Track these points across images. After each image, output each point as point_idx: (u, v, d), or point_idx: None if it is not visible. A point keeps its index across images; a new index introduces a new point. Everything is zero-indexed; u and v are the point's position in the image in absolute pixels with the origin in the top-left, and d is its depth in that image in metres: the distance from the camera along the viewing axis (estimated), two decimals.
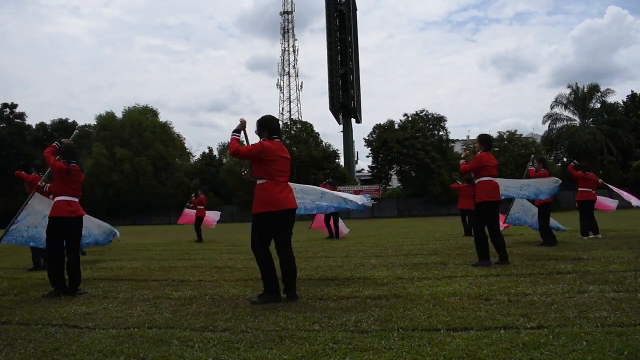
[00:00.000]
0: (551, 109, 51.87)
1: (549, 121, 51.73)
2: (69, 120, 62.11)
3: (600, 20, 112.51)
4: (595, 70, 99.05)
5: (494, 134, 52.95)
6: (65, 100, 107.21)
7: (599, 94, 49.81)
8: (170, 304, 4.96)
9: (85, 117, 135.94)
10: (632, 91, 51.64)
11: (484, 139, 7.52)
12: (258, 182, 4.97)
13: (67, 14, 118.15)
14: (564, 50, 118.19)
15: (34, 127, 59.75)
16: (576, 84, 50.71)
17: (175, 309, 4.66)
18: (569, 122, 50.75)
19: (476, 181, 7.30)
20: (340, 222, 15.11)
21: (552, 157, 52.85)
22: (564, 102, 51.08)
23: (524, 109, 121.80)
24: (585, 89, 49.97)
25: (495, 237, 7.10)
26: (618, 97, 67.26)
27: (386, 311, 4.23)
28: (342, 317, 4.04)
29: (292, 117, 64.53)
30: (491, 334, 3.36)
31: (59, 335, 3.77)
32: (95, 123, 57.56)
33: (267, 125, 5.14)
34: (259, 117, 5.21)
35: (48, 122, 60.93)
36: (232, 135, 5.16)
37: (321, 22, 67.74)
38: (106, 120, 55.62)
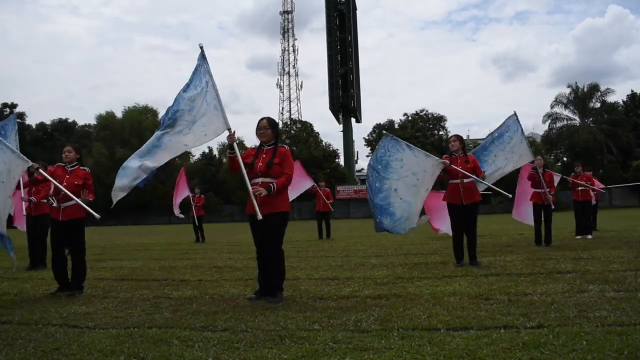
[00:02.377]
0: (551, 108, 51.95)
1: (549, 121, 51.79)
2: (69, 120, 62.19)
3: (601, 19, 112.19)
4: (595, 70, 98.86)
5: None
6: (65, 99, 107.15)
7: (599, 93, 49.89)
8: (170, 303, 4.96)
9: (85, 116, 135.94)
10: (632, 90, 51.67)
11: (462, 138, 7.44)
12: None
13: (67, 14, 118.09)
14: (565, 49, 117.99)
15: (33, 127, 59.77)
16: (576, 83, 50.77)
17: (175, 309, 4.66)
18: (569, 122, 50.80)
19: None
20: None
21: (552, 157, 52.85)
22: (564, 101, 51.12)
23: (525, 108, 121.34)
24: (585, 89, 50.02)
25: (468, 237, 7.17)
26: (618, 96, 67.14)
27: (386, 311, 4.23)
28: (342, 317, 4.04)
29: (292, 116, 64.52)
30: (491, 334, 3.36)
31: (59, 335, 3.76)
32: (95, 123, 57.58)
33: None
34: (272, 118, 5.30)
35: (48, 122, 60.95)
36: (275, 190, 4.91)
37: (321, 21, 67.83)
38: (106, 120, 55.63)
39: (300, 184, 13.61)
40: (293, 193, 12.31)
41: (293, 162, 5.28)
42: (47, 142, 59.11)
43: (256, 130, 5.17)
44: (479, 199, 7.21)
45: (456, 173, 6.97)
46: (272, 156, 5.03)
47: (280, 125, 56.52)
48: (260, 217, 4.77)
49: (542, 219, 9.67)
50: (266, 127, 5.12)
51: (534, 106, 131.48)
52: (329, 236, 14.24)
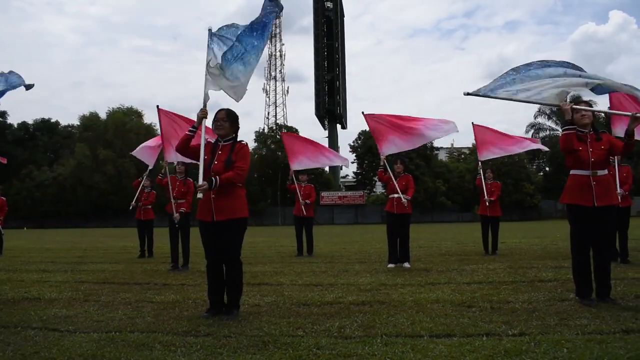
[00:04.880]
0: (534, 118, 52.62)
1: (532, 131, 52.42)
2: (52, 120, 61.43)
3: (590, 30, 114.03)
4: None
5: None
6: (49, 99, 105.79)
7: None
8: (153, 307, 4.91)
9: (69, 116, 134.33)
10: None
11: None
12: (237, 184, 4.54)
13: (52, 12, 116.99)
14: (554, 59, 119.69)
15: (15, 126, 58.98)
16: None
17: (158, 313, 4.62)
18: (551, 132, 51.47)
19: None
20: None
21: (535, 167, 53.55)
22: (547, 112, 51.79)
23: (512, 116, 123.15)
24: (568, 100, 50.72)
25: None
26: (600, 108, 68.38)
27: (370, 317, 4.24)
28: (325, 323, 4.04)
29: (277, 121, 64.52)
30: (474, 341, 3.38)
31: (38, 339, 3.71)
32: (79, 123, 56.99)
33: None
34: (232, 110, 4.66)
35: (30, 122, 60.19)
36: (218, 183, 4.37)
37: (309, 24, 68.06)
38: (90, 121, 55.08)
39: (316, 158, 11.05)
40: (302, 163, 10.77)
41: (249, 158, 4.63)
42: (29, 141, 58.36)
43: (212, 123, 4.60)
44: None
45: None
46: (230, 153, 4.46)
47: (266, 131, 56.47)
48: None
49: (489, 230, 10.15)
50: (224, 119, 4.52)
51: (523, 115, 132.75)
52: (310, 251, 10.93)
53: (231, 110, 4.63)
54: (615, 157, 7.53)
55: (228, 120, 4.54)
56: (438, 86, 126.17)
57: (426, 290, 5.55)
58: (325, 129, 63.28)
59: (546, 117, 51.91)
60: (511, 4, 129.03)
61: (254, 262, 9.17)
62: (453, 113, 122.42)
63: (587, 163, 4.69)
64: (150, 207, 11.28)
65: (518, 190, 46.29)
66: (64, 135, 60.76)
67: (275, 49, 67.86)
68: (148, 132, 55.42)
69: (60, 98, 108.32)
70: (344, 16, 66.31)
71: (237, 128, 4.65)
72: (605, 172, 4.86)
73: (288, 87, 69.22)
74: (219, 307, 4.50)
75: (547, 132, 51.66)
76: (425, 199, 46.76)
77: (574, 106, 4.83)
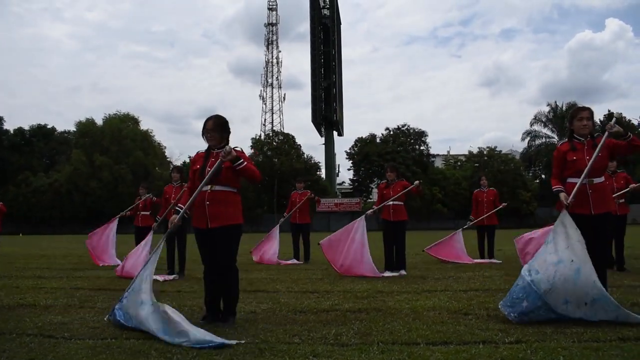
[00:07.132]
0: (530, 126, 52.89)
1: (528, 138, 52.67)
2: (48, 126, 61.36)
3: (587, 38, 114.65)
4: (581, 88, 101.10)
5: (475, 150, 53.73)
6: (45, 104, 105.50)
7: None
8: None
9: (65, 122, 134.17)
10: (608, 110, 52.89)
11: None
12: (231, 190, 4.53)
13: (50, 18, 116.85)
14: (549, 67, 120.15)
15: (11, 132, 58.89)
16: (555, 102, 51.92)
17: None
18: (547, 140, 51.71)
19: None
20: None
21: (531, 174, 53.72)
22: (543, 119, 52.10)
23: (508, 124, 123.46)
24: (564, 107, 51.03)
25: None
26: (595, 116, 68.78)
27: (366, 324, 4.24)
28: (322, 330, 4.03)
29: (274, 128, 64.61)
30: (470, 349, 3.38)
31: (33, 345, 3.68)
32: (75, 129, 56.91)
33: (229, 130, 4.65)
34: (219, 116, 4.57)
35: (26, 127, 60.14)
36: (242, 165, 4.36)
37: (306, 31, 68.10)
38: (86, 127, 55.01)
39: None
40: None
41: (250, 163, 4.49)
42: (25, 147, 58.28)
43: (203, 133, 4.55)
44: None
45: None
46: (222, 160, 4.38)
47: (262, 137, 56.53)
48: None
49: (485, 238, 10.52)
50: (213, 129, 4.47)
51: (518, 122, 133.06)
52: (307, 259, 11.18)
53: (218, 118, 4.55)
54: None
55: (216, 130, 4.48)
56: (434, 93, 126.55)
57: (422, 298, 5.55)
58: (321, 136, 63.36)
59: (542, 124, 52.19)
60: (507, 12, 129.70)
61: (251, 269, 9.16)
62: (448, 120, 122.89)
63: (583, 171, 4.71)
64: (148, 213, 11.04)
65: (514, 197, 46.43)
66: (60, 141, 60.69)
67: (272, 56, 68.12)
68: (144, 138, 55.49)
69: (56, 104, 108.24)
70: (340, 23, 66.61)
71: (228, 134, 4.59)
72: (602, 179, 4.90)
73: (285, 94, 69.66)
74: (215, 314, 4.51)
75: (543, 140, 51.90)
76: (422, 206, 46.81)
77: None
